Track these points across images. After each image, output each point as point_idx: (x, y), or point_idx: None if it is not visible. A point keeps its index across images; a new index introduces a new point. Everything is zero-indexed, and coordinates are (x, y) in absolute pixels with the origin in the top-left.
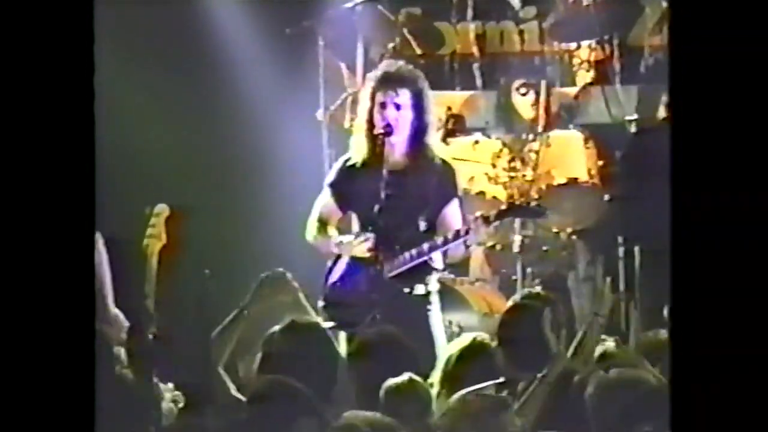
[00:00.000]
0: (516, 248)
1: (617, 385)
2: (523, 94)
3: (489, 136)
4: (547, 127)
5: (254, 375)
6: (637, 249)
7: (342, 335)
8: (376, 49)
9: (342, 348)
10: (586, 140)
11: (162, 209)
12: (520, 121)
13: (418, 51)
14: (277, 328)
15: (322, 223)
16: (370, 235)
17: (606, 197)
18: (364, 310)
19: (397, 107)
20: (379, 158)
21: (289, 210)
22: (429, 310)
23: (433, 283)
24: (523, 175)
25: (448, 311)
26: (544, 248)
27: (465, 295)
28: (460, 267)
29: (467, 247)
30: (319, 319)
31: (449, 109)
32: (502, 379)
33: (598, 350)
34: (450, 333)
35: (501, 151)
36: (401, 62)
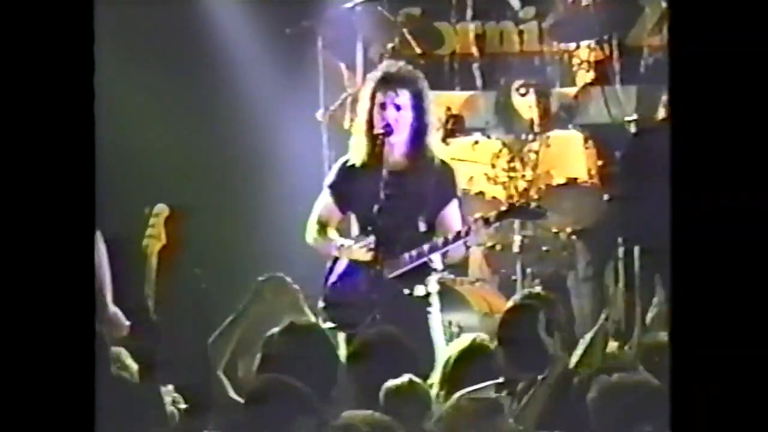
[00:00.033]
0: (516, 248)
1: (619, 389)
2: (523, 95)
3: (488, 137)
4: (546, 128)
5: (253, 376)
6: (637, 249)
7: (341, 336)
8: (376, 50)
9: (341, 349)
10: (585, 140)
11: (161, 209)
12: (519, 121)
13: (418, 50)
14: (276, 329)
15: (322, 225)
16: (371, 239)
17: (606, 197)
18: (364, 310)
19: (397, 108)
20: (379, 158)
21: (288, 210)
22: (429, 312)
23: (432, 285)
24: (523, 176)
25: (448, 311)
26: (544, 248)
27: (465, 295)
28: (459, 267)
29: (467, 248)
30: (319, 320)
31: (449, 109)
32: (501, 380)
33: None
34: (450, 333)
35: (500, 151)
36: (401, 63)
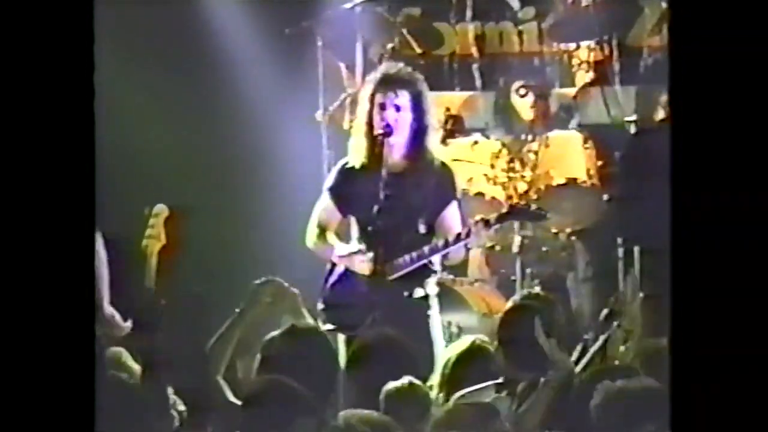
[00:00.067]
0: (515, 249)
1: (623, 395)
2: (523, 96)
3: (488, 137)
4: (546, 129)
5: (253, 377)
6: (636, 249)
7: (341, 338)
8: (376, 50)
9: (341, 350)
10: (585, 140)
11: (161, 209)
12: (519, 121)
13: (418, 50)
14: (276, 333)
15: (322, 229)
16: (370, 255)
17: (605, 197)
18: (364, 312)
19: (397, 108)
20: (378, 159)
21: (288, 210)
22: (428, 314)
23: (432, 286)
24: (522, 176)
25: (447, 312)
26: (544, 249)
27: (464, 295)
28: (459, 268)
29: (468, 249)
30: (318, 322)
31: (448, 109)
32: (501, 380)
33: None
34: (449, 333)
35: (500, 151)
36: (401, 64)
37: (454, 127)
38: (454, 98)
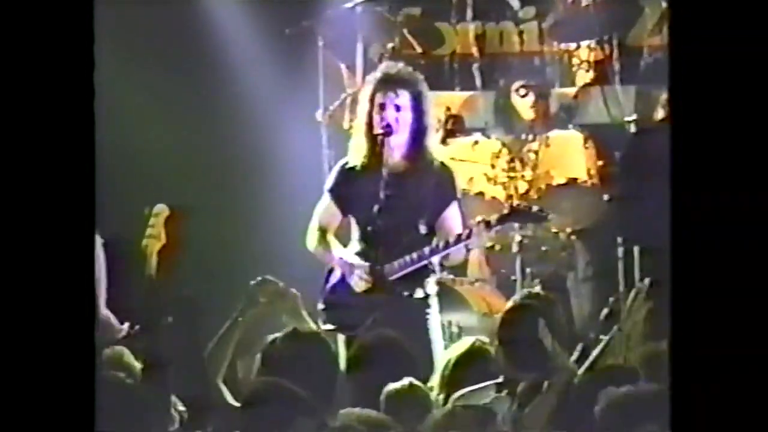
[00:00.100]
0: (515, 248)
1: (628, 400)
2: (523, 96)
3: (488, 137)
4: (546, 128)
5: (253, 379)
6: (636, 249)
7: (341, 338)
8: (376, 50)
9: (341, 351)
10: (585, 140)
11: (161, 209)
12: (519, 121)
13: (419, 49)
14: (278, 335)
15: (323, 232)
16: (368, 269)
17: (605, 197)
18: (364, 312)
19: (397, 108)
20: (379, 159)
21: (288, 210)
22: (428, 314)
23: (431, 287)
24: (523, 176)
25: (447, 311)
26: (544, 248)
27: (464, 295)
28: (459, 267)
29: (468, 250)
30: (318, 322)
31: (448, 109)
32: (501, 379)
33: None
34: (450, 333)
35: (500, 151)
36: (401, 64)
37: (455, 127)
38: (455, 98)
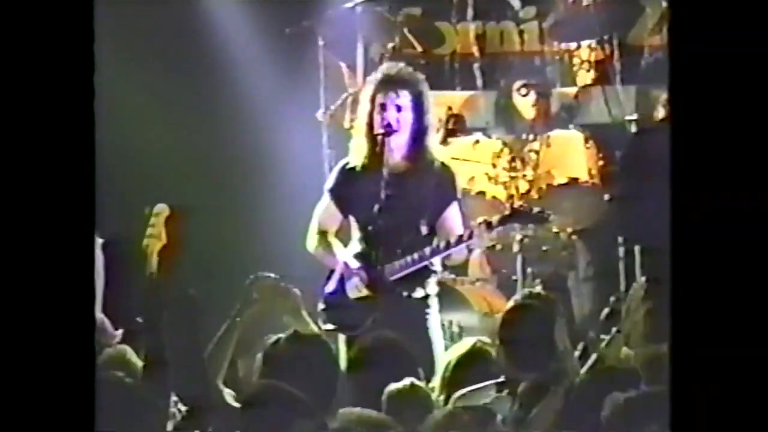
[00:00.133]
0: (516, 248)
1: (632, 405)
2: (524, 95)
3: (489, 136)
4: (547, 128)
5: (254, 380)
6: (637, 249)
7: (341, 338)
8: (376, 49)
9: (341, 351)
10: (586, 140)
11: (162, 209)
12: (520, 120)
13: (419, 49)
14: (279, 336)
15: (323, 233)
16: (365, 278)
17: (606, 197)
18: (364, 313)
19: (398, 109)
20: (379, 159)
21: (288, 210)
22: (427, 314)
23: (431, 287)
24: (524, 175)
25: (448, 311)
26: (544, 248)
27: (465, 294)
28: (460, 267)
29: (470, 251)
30: (318, 322)
31: (449, 109)
32: (502, 378)
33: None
34: (450, 333)
35: (501, 151)
36: (401, 65)
37: (456, 127)
38: (456, 97)
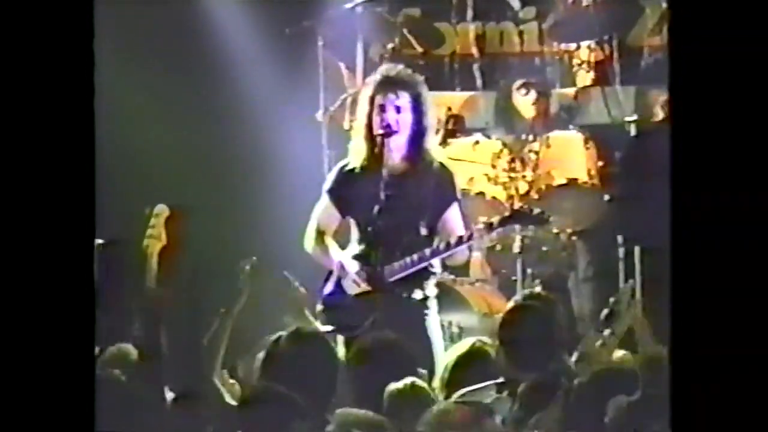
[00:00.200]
0: (516, 249)
1: (634, 407)
2: (525, 94)
3: (489, 137)
4: (547, 129)
5: (253, 380)
6: (637, 249)
7: (340, 339)
8: (376, 50)
9: (340, 352)
10: (585, 141)
11: (162, 209)
12: (520, 121)
13: (419, 50)
14: (281, 334)
15: (320, 233)
16: (364, 275)
17: (606, 198)
18: (363, 313)
19: (398, 110)
20: (379, 160)
21: (288, 210)
22: (426, 314)
23: (430, 288)
24: (523, 176)
25: (448, 312)
26: (544, 249)
27: (465, 295)
28: (460, 268)
29: (471, 252)
30: (317, 322)
31: (449, 109)
32: (502, 379)
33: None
34: (450, 333)
35: (501, 151)
36: (400, 66)
37: (456, 127)
38: (455, 98)
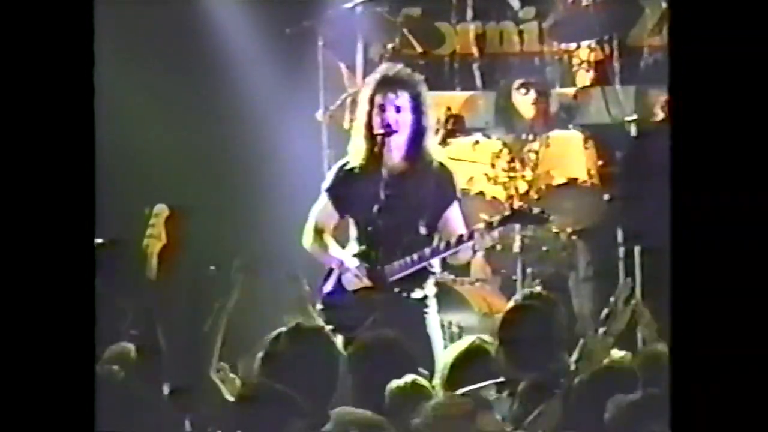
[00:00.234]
0: (516, 248)
1: (635, 406)
2: (524, 94)
3: (489, 137)
4: (547, 128)
5: (253, 376)
6: (637, 249)
7: (339, 338)
8: (376, 50)
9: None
10: (585, 140)
11: (162, 209)
12: (520, 120)
13: (419, 50)
14: (281, 331)
15: (318, 231)
16: (365, 272)
17: (606, 197)
18: (363, 313)
19: (397, 109)
20: (378, 159)
21: (288, 210)
22: (426, 313)
23: (430, 287)
24: (523, 176)
25: (448, 312)
26: (545, 248)
27: (465, 295)
28: (461, 268)
29: (475, 251)
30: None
31: (449, 109)
32: (502, 379)
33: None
34: (450, 333)
35: (501, 151)
36: (400, 65)
37: (455, 127)
38: (455, 98)
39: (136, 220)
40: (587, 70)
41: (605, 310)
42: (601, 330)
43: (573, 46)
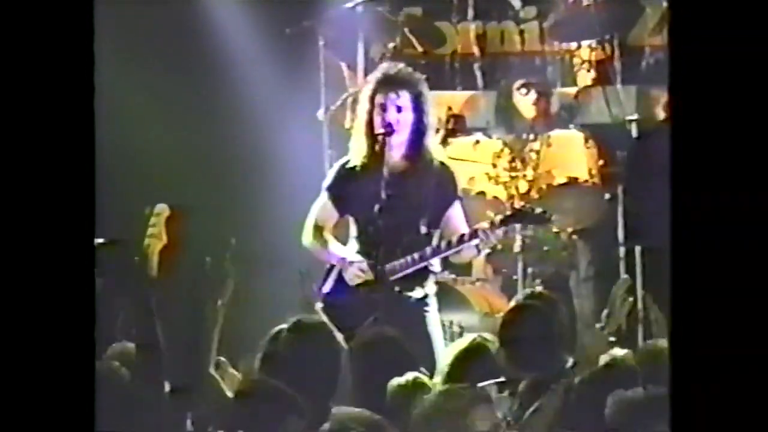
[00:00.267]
0: (517, 248)
1: (635, 404)
2: (525, 94)
3: (490, 136)
4: (547, 128)
5: (254, 373)
6: (638, 249)
7: (339, 337)
8: (377, 49)
9: None
10: (586, 140)
11: (162, 209)
12: (520, 120)
13: (420, 49)
14: (282, 328)
15: (318, 229)
16: (366, 266)
17: (606, 197)
18: (363, 312)
19: (398, 109)
20: (379, 158)
21: (289, 210)
22: (426, 312)
23: (430, 286)
24: (524, 175)
25: (448, 311)
26: (545, 248)
27: (465, 294)
28: (462, 267)
29: (479, 251)
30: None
31: (450, 109)
32: (502, 379)
33: (603, 359)
34: (451, 333)
35: (502, 151)
36: (401, 65)
37: (456, 127)
38: (456, 97)
39: (137, 220)
40: (588, 70)
41: (605, 311)
42: (598, 325)
43: (574, 45)
